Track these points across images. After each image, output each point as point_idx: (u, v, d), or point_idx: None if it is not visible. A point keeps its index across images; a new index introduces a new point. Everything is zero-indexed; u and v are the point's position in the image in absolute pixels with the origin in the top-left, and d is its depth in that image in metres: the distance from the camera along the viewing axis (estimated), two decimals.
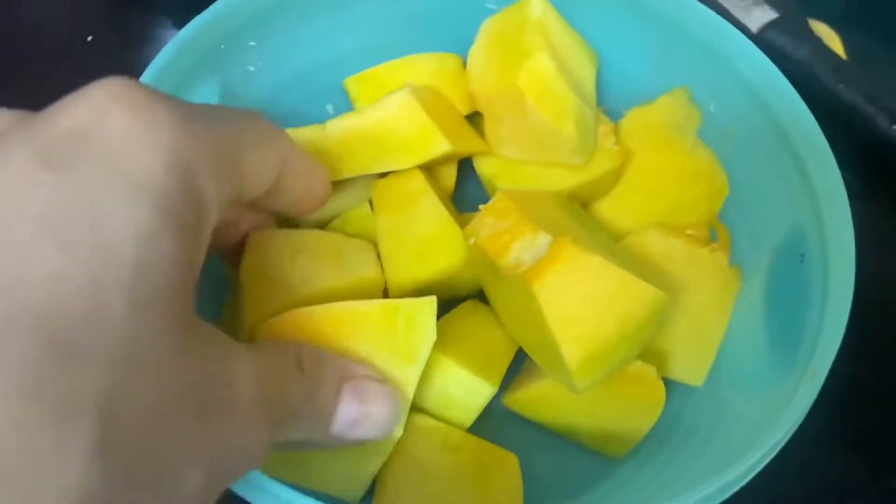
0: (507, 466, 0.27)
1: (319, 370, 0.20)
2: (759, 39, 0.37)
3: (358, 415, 0.20)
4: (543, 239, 0.24)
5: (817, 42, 0.37)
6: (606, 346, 0.22)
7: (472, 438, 0.27)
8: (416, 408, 0.26)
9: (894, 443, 0.31)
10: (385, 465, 0.24)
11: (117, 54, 0.38)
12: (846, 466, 0.31)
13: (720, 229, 0.30)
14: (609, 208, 0.32)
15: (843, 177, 0.25)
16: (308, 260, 0.26)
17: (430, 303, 0.23)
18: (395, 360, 0.23)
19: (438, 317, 0.29)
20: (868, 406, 0.32)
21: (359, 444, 0.21)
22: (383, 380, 0.22)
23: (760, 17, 0.38)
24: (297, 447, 0.22)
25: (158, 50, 0.25)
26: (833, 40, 0.38)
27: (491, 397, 0.27)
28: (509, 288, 0.25)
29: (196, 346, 0.15)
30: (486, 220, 0.26)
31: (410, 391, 0.23)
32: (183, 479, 0.14)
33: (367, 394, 0.21)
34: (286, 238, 0.26)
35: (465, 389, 0.26)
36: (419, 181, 0.29)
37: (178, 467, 0.14)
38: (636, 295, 0.23)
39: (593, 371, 0.23)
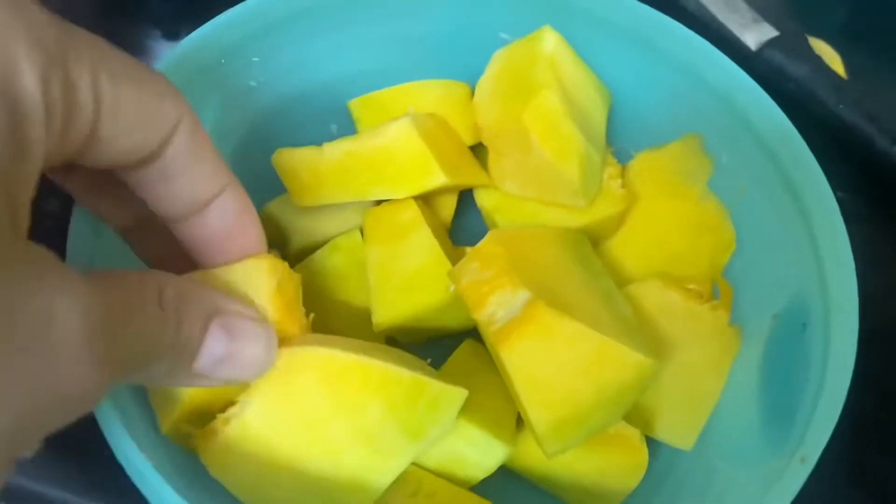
0: None
1: (183, 305, 0.17)
2: (759, 58, 0.35)
3: (226, 352, 0.18)
4: (521, 295, 0.23)
5: (817, 60, 0.36)
6: (580, 411, 0.21)
7: (447, 485, 0.26)
8: (416, 465, 0.26)
9: None
10: None
11: None
12: (848, 500, 0.30)
13: (723, 286, 0.29)
14: (611, 251, 0.31)
15: (842, 197, 0.25)
16: None
17: (460, 394, 0.23)
18: (402, 431, 0.22)
19: (437, 356, 0.28)
20: (871, 437, 0.31)
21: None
22: (260, 318, 0.20)
23: (759, 34, 0.36)
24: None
25: (147, 60, 0.25)
26: (833, 59, 0.37)
27: (505, 457, 0.26)
28: (489, 340, 0.24)
29: (3, 275, 0.13)
30: (471, 265, 0.25)
31: (399, 468, 0.22)
32: None
33: (239, 331, 0.19)
34: None
35: (478, 449, 0.25)
36: (413, 212, 0.28)
37: None
38: (618, 360, 0.22)
39: (565, 437, 0.22)
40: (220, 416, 0.23)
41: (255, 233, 0.21)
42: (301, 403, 0.22)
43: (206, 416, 0.23)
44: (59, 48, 0.15)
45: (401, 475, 0.25)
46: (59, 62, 0.15)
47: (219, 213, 0.19)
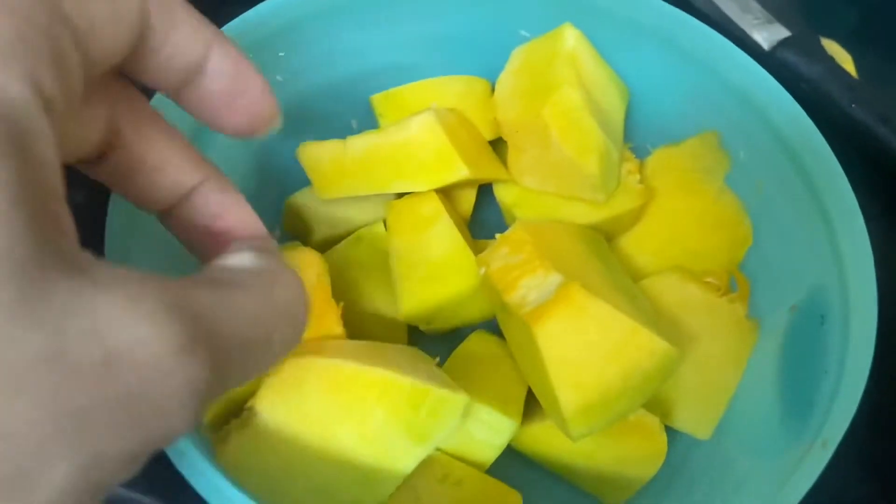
0: None
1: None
2: (772, 57, 0.36)
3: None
4: (553, 279, 0.23)
5: (830, 61, 0.36)
6: (607, 395, 0.22)
7: (476, 473, 0.26)
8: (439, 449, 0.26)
9: None
10: None
11: None
12: (860, 491, 0.30)
13: (740, 279, 0.29)
14: (628, 246, 0.32)
15: (856, 197, 0.25)
16: None
17: (460, 400, 0.23)
18: (406, 436, 0.23)
19: (450, 343, 0.29)
20: (883, 429, 0.31)
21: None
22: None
23: (772, 34, 0.37)
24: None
25: None
26: (845, 59, 0.38)
27: (514, 433, 0.26)
28: (516, 324, 0.25)
29: (46, 301, 0.11)
30: (501, 250, 0.26)
31: (408, 469, 0.23)
32: (41, 480, 0.11)
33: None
34: None
35: (487, 427, 0.26)
36: (435, 204, 0.29)
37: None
38: (644, 347, 0.22)
39: (591, 420, 0.22)
40: (234, 421, 0.23)
41: (257, 84, 0.19)
42: (308, 411, 0.23)
43: (231, 412, 0.24)
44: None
45: (429, 460, 0.25)
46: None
47: (216, 72, 0.18)
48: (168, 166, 0.19)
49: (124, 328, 0.12)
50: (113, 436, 0.12)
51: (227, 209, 0.20)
